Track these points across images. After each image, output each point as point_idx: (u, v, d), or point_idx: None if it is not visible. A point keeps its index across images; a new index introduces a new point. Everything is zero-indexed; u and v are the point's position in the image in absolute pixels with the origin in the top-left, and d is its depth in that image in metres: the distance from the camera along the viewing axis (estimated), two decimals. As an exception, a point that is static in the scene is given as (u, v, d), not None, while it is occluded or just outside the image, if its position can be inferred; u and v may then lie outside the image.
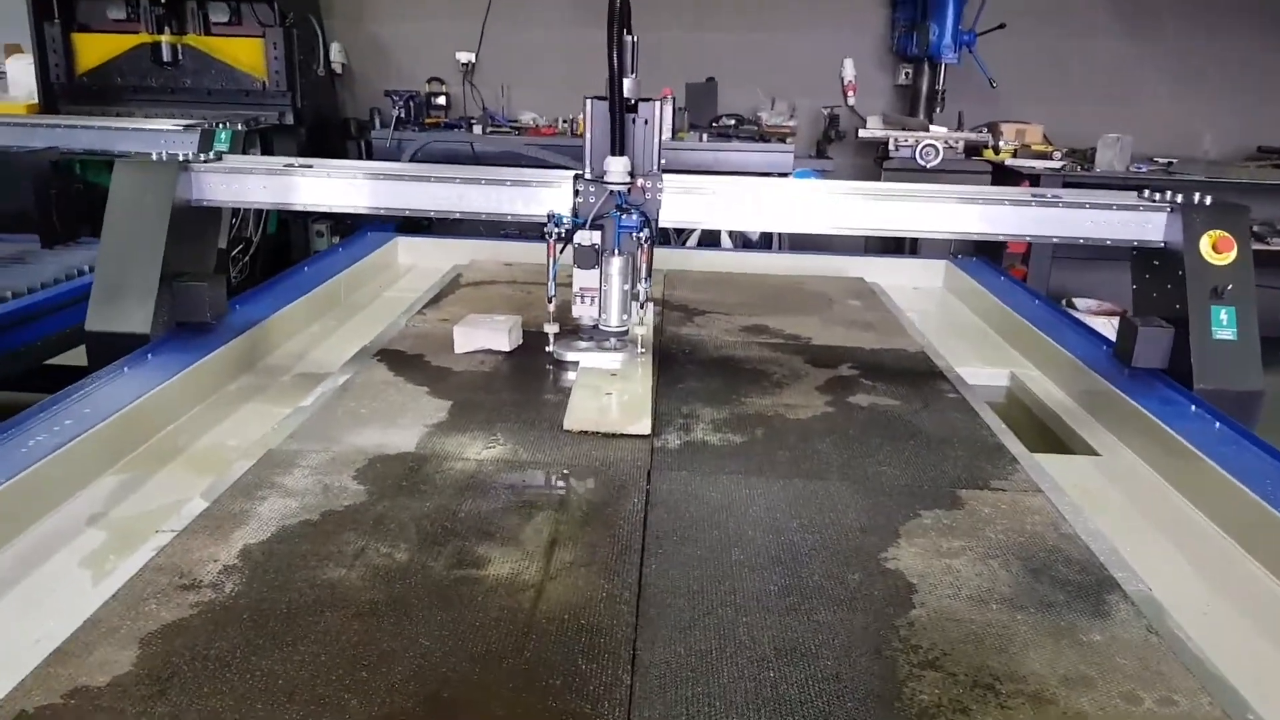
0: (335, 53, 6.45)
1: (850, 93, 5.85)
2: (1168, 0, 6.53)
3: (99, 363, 2.27)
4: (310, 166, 2.69)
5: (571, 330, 2.52)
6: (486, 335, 2.55)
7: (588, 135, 2.41)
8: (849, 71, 5.82)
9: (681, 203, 2.55)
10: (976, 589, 1.45)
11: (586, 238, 2.38)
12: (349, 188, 2.64)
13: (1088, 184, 5.33)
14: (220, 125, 4.67)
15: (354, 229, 4.18)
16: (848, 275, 3.57)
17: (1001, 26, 5.80)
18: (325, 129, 6.25)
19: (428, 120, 6.13)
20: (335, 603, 1.36)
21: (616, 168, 2.29)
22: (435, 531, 1.58)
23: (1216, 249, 2.36)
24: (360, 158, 6.16)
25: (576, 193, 2.39)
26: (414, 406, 2.15)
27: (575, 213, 2.39)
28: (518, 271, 3.48)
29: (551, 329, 2.48)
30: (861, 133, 5.84)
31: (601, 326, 2.47)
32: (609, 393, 2.22)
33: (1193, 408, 2.15)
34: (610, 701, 1.17)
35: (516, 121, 6.19)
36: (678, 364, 2.51)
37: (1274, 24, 6.46)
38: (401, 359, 2.49)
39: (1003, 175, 5.70)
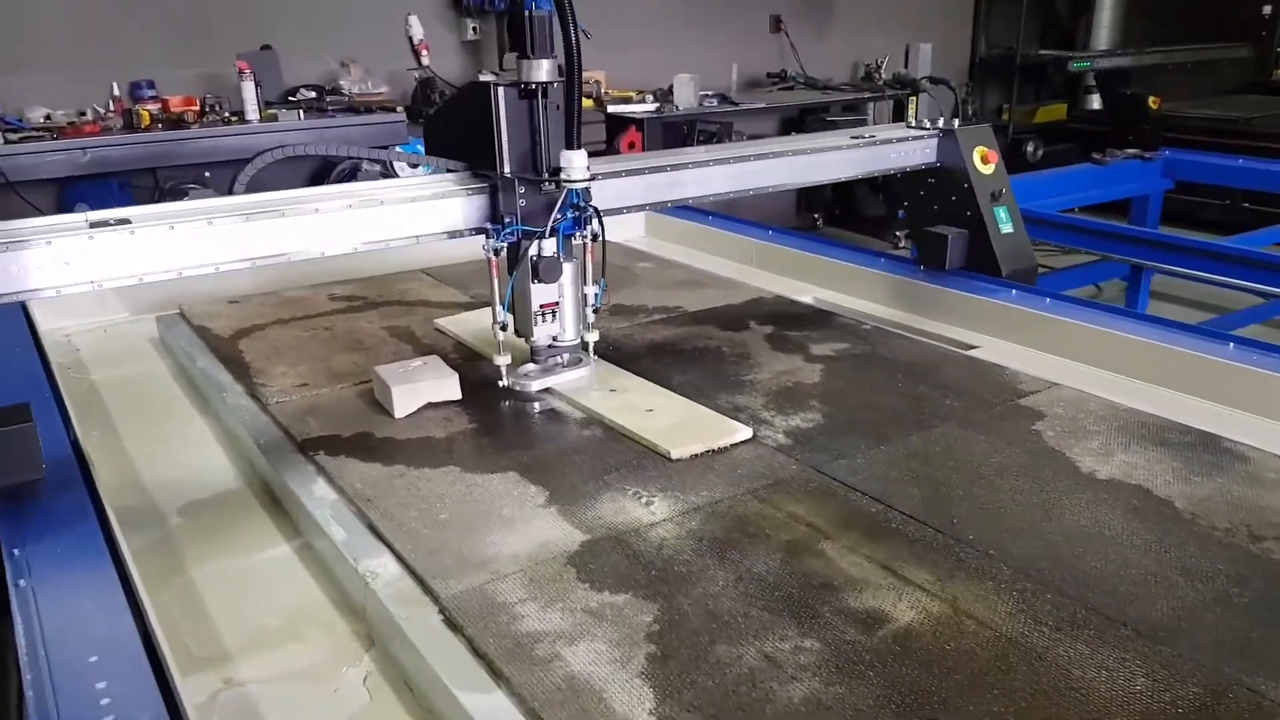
0: None
1: (424, 52, 5.56)
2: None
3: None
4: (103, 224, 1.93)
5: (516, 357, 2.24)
6: (433, 387, 2.14)
7: (501, 128, 2.11)
8: (417, 30, 5.52)
9: (626, 189, 2.37)
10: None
11: (549, 247, 2.12)
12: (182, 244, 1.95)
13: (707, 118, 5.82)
14: None
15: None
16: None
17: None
18: None
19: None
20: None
21: (578, 163, 2.06)
22: (798, 600, 1.42)
23: (984, 161, 2.91)
24: None
25: (522, 198, 2.10)
26: (475, 494, 1.78)
27: (520, 220, 2.11)
28: (280, 306, 2.86)
29: (503, 360, 2.18)
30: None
31: (557, 343, 2.24)
32: (649, 409, 2.06)
33: (1047, 299, 2.68)
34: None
35: (31, 123, 4.78)
36: (639, 361, 2.38)
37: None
38: (345, 445, 1.99)
39: (613, 121, 5.97)
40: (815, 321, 2.67)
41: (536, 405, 2.17)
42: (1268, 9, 7.58)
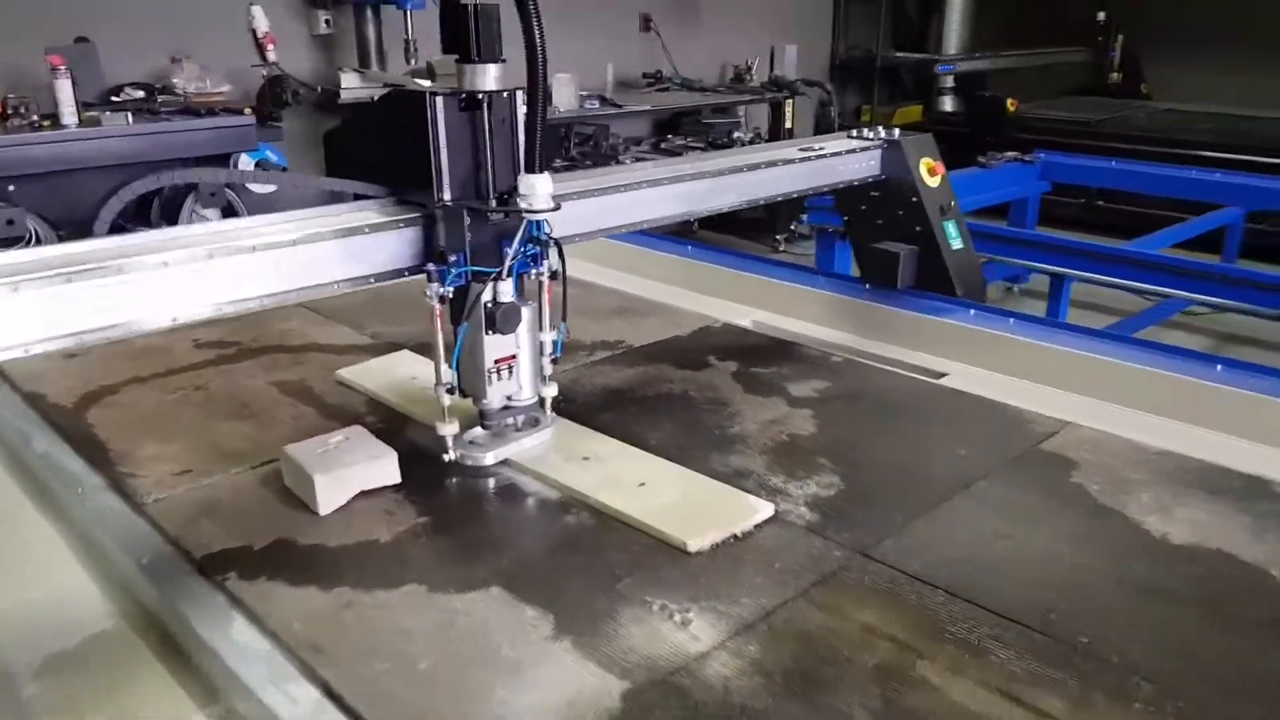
0: None
1: (270, 46, 4.89)
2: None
3: None
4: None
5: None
6: (365, 471, 1.71)
7: (439, 147, 1.71)
8: (261, 22, 4.84)
9: (583, 213, 2.00)
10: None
11: (506, 290, 1.73)
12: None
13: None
14: None
15: None
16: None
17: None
18: None
19: None
20: None
21: (542, 189, 1.68)
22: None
23: (931, 173, 2.71)
24: None
25: (469, 230, 1.70)
26: (458, 627, 1.38)
27: (468, 258, 1.71)
28: (133, 359, 2.32)
29: (449, 429, 1.78)
30: (345, 93, 4.97)
31: (512, 403, 1.85)
32: (640, 483, 1.71)
33: (1011, 320, 2.50)
34: None
35: None
36: (600, 415, 2.02)
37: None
38: (262, 560, 1.55)
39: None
40: (778, 355, 2.39)
41: (493, 482, 1.78)
42: (1102, 14, 7.96)
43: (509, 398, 1.84)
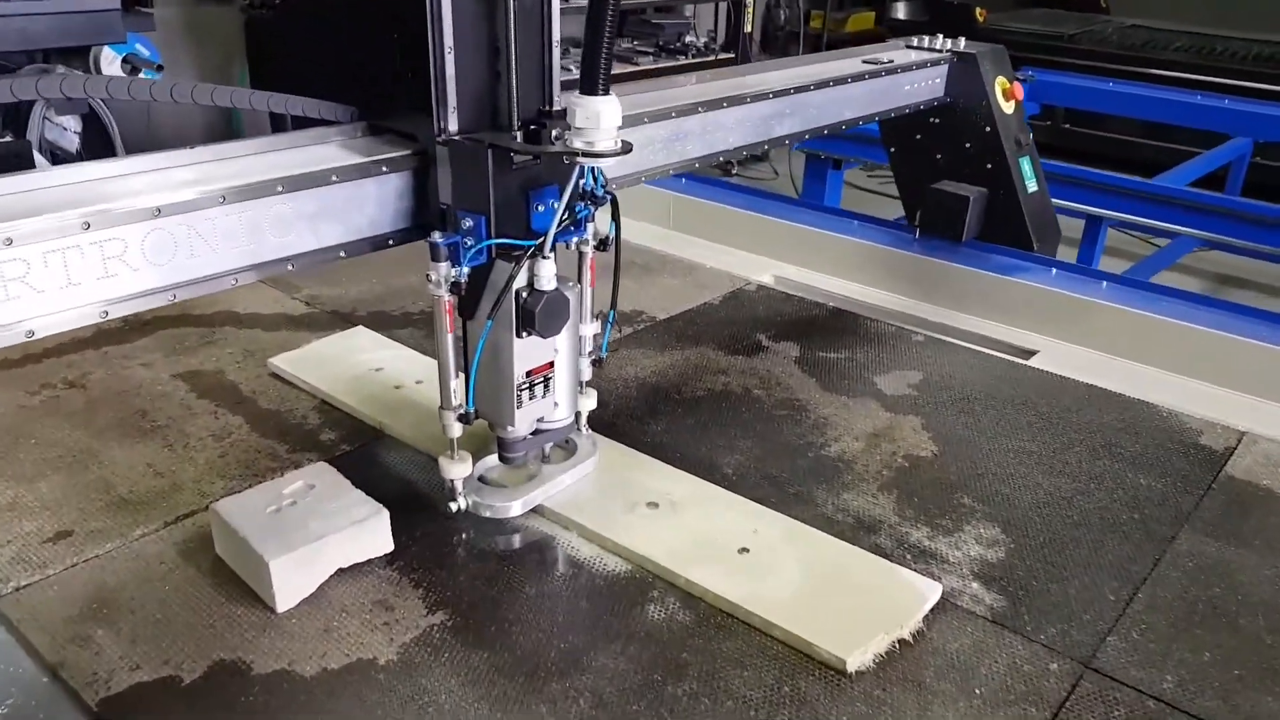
0: None
1: None
2: None
3: None
4: None
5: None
6: (344, 543, 1.15)
7: (441, 49, 1.13)
8: None
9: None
10: None
11: (548, 273, 1.17)
12: None
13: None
14: None
15: None
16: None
17: None
18: None
19: None
20: None
21: (609, 120, 1.10)
22: None
23: (1007, 96, 2.22)
24: None
25: (491, 181, 1.13)
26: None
27: (491, 223, 1.15)
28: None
29: (459, 470, 1.24)
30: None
31: (543, 426, 1.31)
32: (742, 548, 1.21)
33: (1105, 284, 2.05)
34: None
35: None
36: (645, 426, 1.50)
37: None
38: (197, 703, 0.99)
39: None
40: (841, 331, 1.89)
41: (527, 544, 1.26)
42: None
43: (539, 419, 1.30)
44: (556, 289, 1.18)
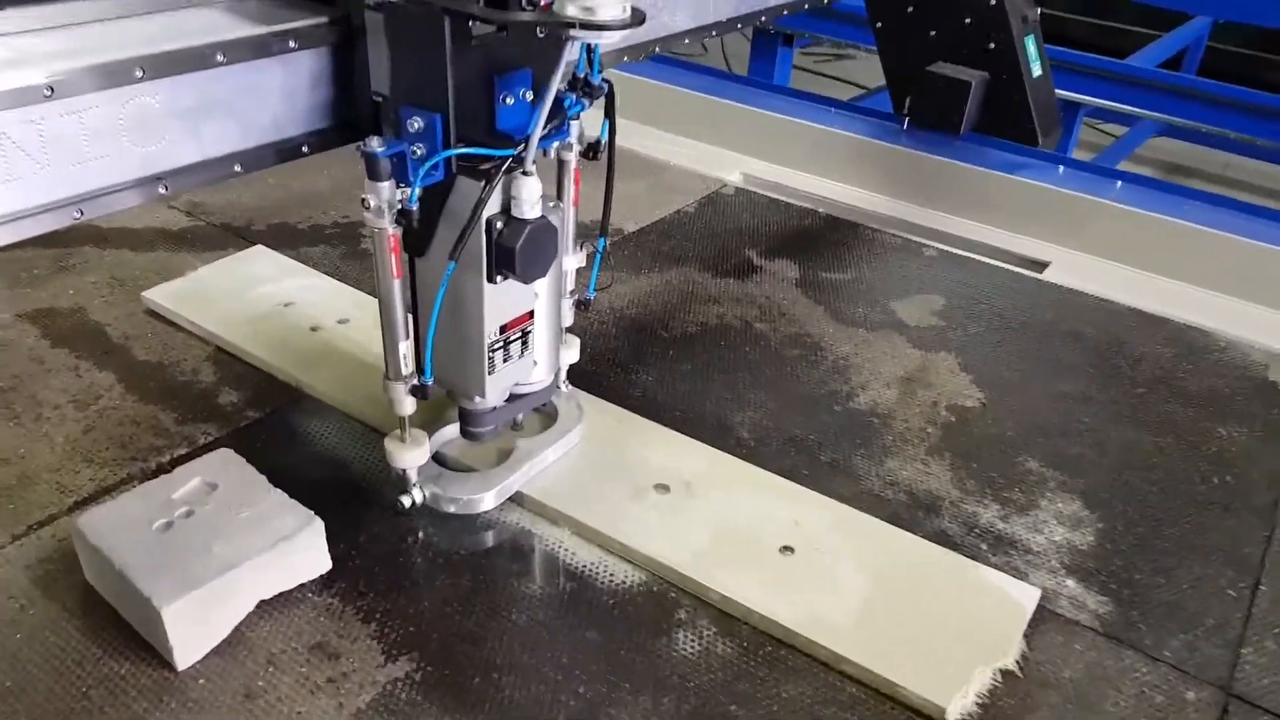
0: None
1: None
2: None
3: None
4: None
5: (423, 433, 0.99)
6: (267, 572, 0.85)
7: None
8: None
9: None
10: None
11: (530, 198, 0.85)
12: None
13: None
14: None
15: None
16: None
17: None
18: None
19: None
20: None
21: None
22: None
23: (1012, -35, 1.92)
24: None
25: (450, 61, 0.80)
26: None
27: (450, 123, 0.82)
28: None
29: (413, 457, 0.94)
30: None
31: (519, 390, 1.01)
32: (784, 546, 0.95)
33: (1118, 184, 1.81)
34: None
35: None
36: (632, 375, 1.21)
37: None
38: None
39: None
40: (841, 244, 1.62)
41: (494, 541, 0.97)
42: None
43: (514, 384, 0.99)
44: (542, 217, 0.86)
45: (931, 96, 1.93)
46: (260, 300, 1.29)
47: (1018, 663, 0.86)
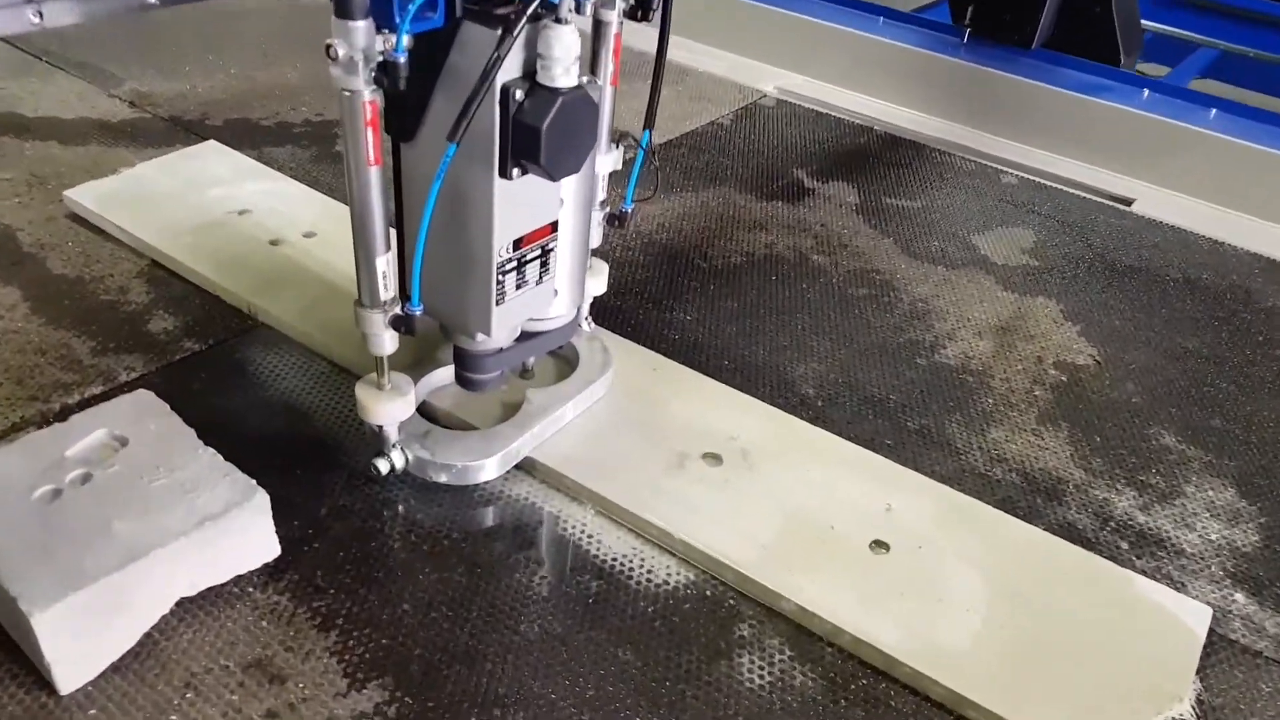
0: None
1: None
2: None
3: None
4: None
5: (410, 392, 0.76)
6: (179, 569, 0.62)
7: None
8: None
9: None
10: None
11: (564, 59, 0.60)
12: None
13: None
14: None
15: None
16: None
17: None
18: None
19: None
20: None
21: None
22: None
23: None
24: None
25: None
26: None
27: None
28: None
29: (396, 410, 0.71)
30: None
31: (534, 326, 0.77)
32: (875, 541, 0.73)
33: (1212, 111, 1.57)
34: None
35: None
36: (668, 314, 0.98)
37: None
38: None
39: None
40: (903, 165, 1.39)
41: (495, 521, 0.75)
42: None
43: (527, 318, 0.76)
44: (579, 87, 0.62)
45: (1000, 5, 1.68)
46: (209, 205, 1.05)
47: (1194, 709, 0.65)
